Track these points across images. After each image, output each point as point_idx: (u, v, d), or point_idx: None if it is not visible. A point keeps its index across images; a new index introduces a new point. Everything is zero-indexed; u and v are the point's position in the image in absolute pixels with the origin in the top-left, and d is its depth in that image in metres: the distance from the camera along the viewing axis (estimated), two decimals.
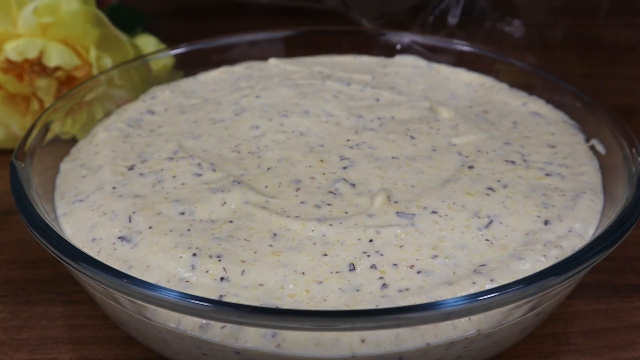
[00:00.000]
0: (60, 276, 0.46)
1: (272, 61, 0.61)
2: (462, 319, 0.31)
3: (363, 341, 0.31)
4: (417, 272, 0.35)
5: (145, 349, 0.39)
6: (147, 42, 0.65)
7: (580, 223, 0.39)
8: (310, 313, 0.29)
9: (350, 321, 0.29)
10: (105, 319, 0.42)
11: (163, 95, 0.56)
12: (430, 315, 0.29)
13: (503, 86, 0.56)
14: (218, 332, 0.32)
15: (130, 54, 0.61)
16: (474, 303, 0.29)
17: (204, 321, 0.32)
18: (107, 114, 0.54)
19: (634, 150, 0.41)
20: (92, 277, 0.32)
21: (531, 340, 0.40)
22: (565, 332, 0.41)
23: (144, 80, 0.59)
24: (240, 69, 0.60)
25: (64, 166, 0.47)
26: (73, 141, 0.50)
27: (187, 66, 0.60)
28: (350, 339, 0.31)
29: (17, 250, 0.49)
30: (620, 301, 0.44)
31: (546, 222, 0.39)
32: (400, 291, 0.34)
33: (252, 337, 0.32)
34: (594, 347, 0.40)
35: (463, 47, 0.59)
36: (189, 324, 0.32)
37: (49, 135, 0.47)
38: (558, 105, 0.52)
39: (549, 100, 0.53)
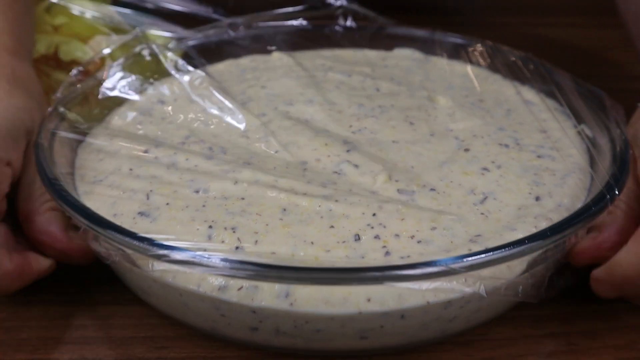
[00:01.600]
0: (60, 276, 0.46)
1: (276, 54, 0.63)
2: (460, 280, 0.34)
3: (369, 300, 0.34)
4: (418, 242, 0.38)
5: (146, 348, 0.41)
6: (154, 37, 0.68)
7: (569, 199, 0.42)
8: (320, 270, 0.32)
9: (357, 276, 0.31)
10: (105, 318, 0.43)
11: (172, 86, 0.58)
12: (426, 272, 0.31)
13: (497, 77, 0.58)
14: (235, 293, 0.35)
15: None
16: (465, 262, 0.32)
17: (223, 283, 0.35)
18: (119, 104, 0.56)
19: (618, 131, 0.44)
20: (127, 245, 0.34)
21: (531, 340, 0.41)
22: (565, 332, 0.42)
23: (152, 72, 0.61)
24: (245, 61, 0.62)
25: (81, 151, 0.49)
26: (87, 130, 0.53)
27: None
28: (357, 298, 0.34)
29: None
30: (621, 301, 0.43)
31: (537, 198, 0.42)
32: (402, 258, 0.37)
33: (266, 297, 0.34)
34: (594, 347, 0.40)
35: (457, 39, 0.61)
36: (209, 286, 0.35)
37: (66, 123, 0.50)
38: (549, 94, 0.54)
39: (540, 90, 0.55)
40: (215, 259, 0.32)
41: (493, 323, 0.42)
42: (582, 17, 0.89)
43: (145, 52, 0.56)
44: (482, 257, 0.33)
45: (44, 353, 0.40)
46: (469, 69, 0.60)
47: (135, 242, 0.34)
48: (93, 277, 0.46)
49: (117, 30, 0.62)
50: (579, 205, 0.41)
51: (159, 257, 0.33)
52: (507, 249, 0.33)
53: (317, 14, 0.65)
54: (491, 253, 0.33)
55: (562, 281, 0.40)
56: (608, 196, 0.38)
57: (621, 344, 0.41)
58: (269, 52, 0.63)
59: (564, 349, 0.40)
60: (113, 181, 0.44)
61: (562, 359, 0.40)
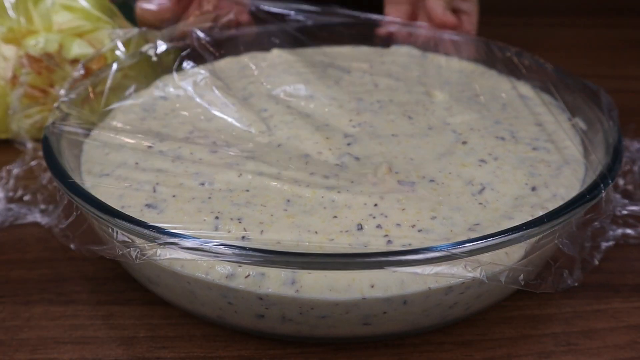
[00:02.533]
0: (60, 276, 0.47)
1: (275, 51, 0.64)
2: (459, 267, 0.35)
3: (372, 286, 0.35)
4: (419, 231, 0.39)
5: (146, 348, 0.41)
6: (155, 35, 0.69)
7: (564, 189, 0.43)
8: (326, 255, 0.33)
9: (362, 261, 0.33)
10: (105, 318, 0.43)
11: (174, 82, 0.59)
12: (427, 257, 0.33)
13: (493, 73, 0.60)
14: (243, 280, 0.36)
15: (141, 46, 0.64)
16: (463, 248, 0.33)
17: (230, 271, 0.36)
18: (123, 99, 0.57)
19: (611, 123, 0.45)
20: (137, 234, 0.35)
21: (531, 340, 0.41)
22: (565, 332, 0.42)
23: (154, 70, 0.62)
24: (245, 59, 0.64)
25: (87, 146, 0.50)
26: (92, 125, 0.54)
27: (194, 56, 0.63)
28: (361, 285, 0.35)
29: (17, 250, 0.49)
30: (620, 301, 0.44)
31: (533, 189, 0.43)
32: (403, 246, 0.38)
33: (273, 284, 0.36)
34: (594, 347, 0.41)
35: (454, 36, 0.63)
36: (216, 274, 0.36)
37: (71, 119, 0.51)
38: (544, 89, 0.56)
39: (535, 85, 0.57)
40: (225, 245, 0.33)
41: (493, 323, 0.43)
42: (582, 17, 0.91)
43: (152, 52, 0.57)
44: (481, 243, 0.34)
45: (44, 353, 0.41)
46: (465, 64, 0.61)
47: (146, 231, 0.35)
48: (93, 276, 0.47)
49: (120, 26, 0.63)
50: (573, 194, 0.42)
51: (169, 245, 0.34)
52: (504, 235, 0.34)
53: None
54: (490, 239, 0.34)
55: (570, 278, 0.40)
56: (602, 185, 0.39)
57: (621, 344, 0.41)
58: (269, 49, 0.65)
59: (564, 349, 0.41)
60: (119, 175, 0.45)
61: (562, 359, 0.40)
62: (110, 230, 0.38)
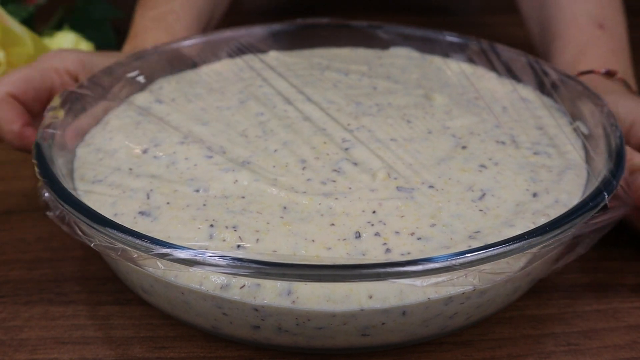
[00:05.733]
0: (60, 276, 0.47)
1: (273, 54, 0.64)
2: (460, 276, 0.34)
3: (370, 297, 0.35)
4: (418, 239, 0.38)
5: (146, 348, 0.41)
6: (63, 40, 0.66)
7: (566, 195, 0.42)
8: (322, 267, 0.33)
9: (359, 273, 0.32)
10: (105, 318, 0.43)
11: (169, 86, 0.58)
12: (427, 268, 0.32)
13: (493, 75, 0.59)
14: (238, 291, 0.35)
15: (30, 48, 0.62)
16: (466, 258, 0.32)
17: (225, 282, 0.35)
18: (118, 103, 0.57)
19: (613, 127, 0.44)
20: (127, 244, 0.34)
21: (531, 340, 0.41)
22: (565, 332, 0.42)
23: None
24: (241, 61, 0.63)
25: (80, 151, 0.50)
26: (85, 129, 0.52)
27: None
28: (358, 295, 0.35)
29: (17, 250, 0.49)
30: (620, 301, 0.44)
31: (534, 195, 0.42)
32: (402, 255, 0.37)
33: (269, 294, 0.35)
34: (594, 347, 0.41)
35: (453, 38, 0.62)
36: (211, 285, 0.35)
37: (65, 123, 0.50)
38: (545, 92, 0.55)
39: (536, 87, 0.56)
40: (219, 257, 0.32)
41: (493, 323, 0.42)
42: None
43: None
44: (481, 253, 0.33)
45: (44, 353, 0.41)
46: (465, 67, 0.60)
47: (138, 241, 0.34)
48: (93, 277, 0.46)
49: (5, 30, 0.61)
50: (575, 201, 0.42)
51: (162, 256, 0.33)
52: (506, 245, 0.34)
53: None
54: (491, 249, 0.33)
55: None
56: (605, 192, 0.38)
57: (621, 344, 0.41)
58: (266, 51, 0.64)
59: (564, 349, 0.41)
60: (113, 181, 0.45)
61: (562, 359, 0.40)
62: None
